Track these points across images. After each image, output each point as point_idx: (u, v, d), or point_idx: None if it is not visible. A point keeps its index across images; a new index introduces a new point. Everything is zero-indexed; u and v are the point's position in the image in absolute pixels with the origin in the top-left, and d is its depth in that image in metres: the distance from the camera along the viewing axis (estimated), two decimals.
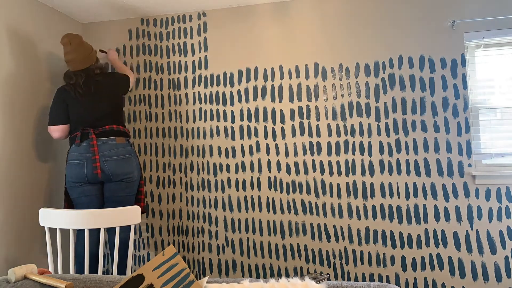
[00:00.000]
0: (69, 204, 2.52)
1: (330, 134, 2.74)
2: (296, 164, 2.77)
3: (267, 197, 2.81)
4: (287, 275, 2.74)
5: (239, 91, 2.88)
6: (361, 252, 2.65)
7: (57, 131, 2.47)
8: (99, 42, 3.15)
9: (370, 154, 2.67)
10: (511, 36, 2.54)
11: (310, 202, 2.74)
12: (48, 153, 2.73)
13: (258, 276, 2.80)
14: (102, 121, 2.47)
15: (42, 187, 2.67)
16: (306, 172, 2.76)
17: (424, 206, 2.58)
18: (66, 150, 2.89)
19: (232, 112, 2.89)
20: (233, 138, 2.88)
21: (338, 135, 2.73)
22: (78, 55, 2.45)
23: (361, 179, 2.68)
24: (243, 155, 2.85)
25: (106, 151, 2.40)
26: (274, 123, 2.82)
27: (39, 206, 2.63)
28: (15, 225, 2.44)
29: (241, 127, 2.87)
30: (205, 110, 2.94)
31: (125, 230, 2.43)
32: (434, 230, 2.56)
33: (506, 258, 2.46)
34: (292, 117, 2.80)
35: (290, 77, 2.82)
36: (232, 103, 2.89)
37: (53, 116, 2.47)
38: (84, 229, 2.22)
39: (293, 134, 2.79)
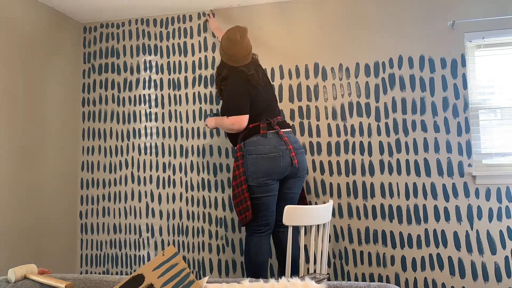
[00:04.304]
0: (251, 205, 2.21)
1: (330, 134, 2.74)
2: None
3: None
4: None
5: None
6: (361, 252, 2.65)
7: (246, 120, 2.22)
8: (99, 42, 3.15)
9: (370, 154, 2.67)
10: (511, 36, 2.54)
11: (310, 202, 2.74)
12: (51, 152, 2.73)
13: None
14: (275, 111, 2.35)
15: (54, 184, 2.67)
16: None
17: (424, 206, 2.58)
18: (67, 151, 2.88)
19: None
20: None
21: (338, 135, 2.72)
22: (247, 49, 2.32)
23: (361, 179, 2.68)
24: None
25: (293, 143, 2.25)
26: None
27: (40, 206, 2.63)
28: (18, 226, 2.44)
29: None
30: (205, 110, 2.94)
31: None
32: (434, 230, 2.56)
33: (506, 258, 2.46)
34: (292, 117, 2.80)
35: (290, 77, 2.82)
36: None
37: (242, 106, 2.22)
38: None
39: (293, 134, 2.78)
